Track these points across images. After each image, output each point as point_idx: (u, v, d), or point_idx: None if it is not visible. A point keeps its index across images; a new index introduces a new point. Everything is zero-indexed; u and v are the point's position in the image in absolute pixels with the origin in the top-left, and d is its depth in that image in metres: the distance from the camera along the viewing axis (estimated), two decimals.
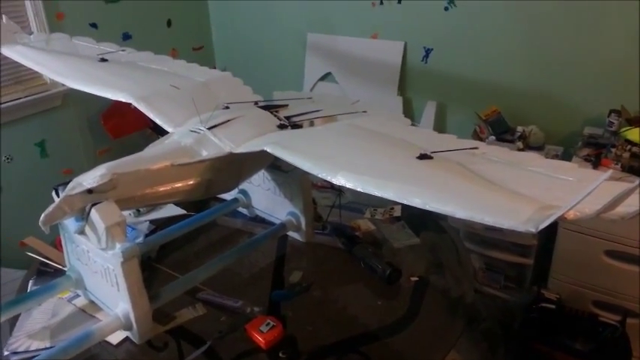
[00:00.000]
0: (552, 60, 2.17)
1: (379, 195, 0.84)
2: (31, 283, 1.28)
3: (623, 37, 1.99)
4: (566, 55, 2.13)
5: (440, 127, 2.51)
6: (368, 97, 2.57)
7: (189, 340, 1.11)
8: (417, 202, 0.79)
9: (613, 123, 1.98)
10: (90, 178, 0.96)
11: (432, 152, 0.96)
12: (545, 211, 0.70)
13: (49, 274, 1.28)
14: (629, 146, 1.87)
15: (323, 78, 2.78)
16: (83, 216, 0.98)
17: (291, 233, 1.44)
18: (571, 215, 0.68)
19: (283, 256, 1.41)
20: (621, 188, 0.67)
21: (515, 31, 2.21)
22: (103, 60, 1.53)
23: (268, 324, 1.09)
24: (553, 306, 1.94)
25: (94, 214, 0.95)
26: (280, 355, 1.05)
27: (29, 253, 1.36)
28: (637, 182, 0.67)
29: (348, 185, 0.87)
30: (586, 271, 1.97)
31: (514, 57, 2.25)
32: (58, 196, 0.97)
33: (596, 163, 1.89)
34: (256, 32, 2.94)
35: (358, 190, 0.86)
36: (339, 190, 1.66)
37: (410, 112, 2.57)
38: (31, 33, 2.09)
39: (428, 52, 2.45)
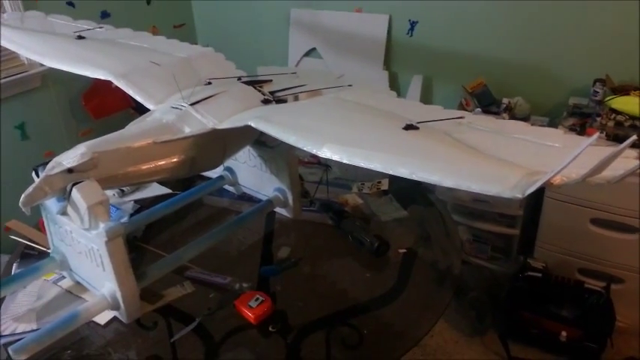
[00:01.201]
0: (537, 31, 2.16)
1: (365, 166, 0.83)
2: (15, 266, 1.26)
3: (607, 6, 1.98)
4: (551, 26, 2.12)
5: (426, 100, 2.49)
6: (353, 72, 2.54)
7: (178, 318, 1.10)
8: (403, 172, 0.79)
9: (597, 92, 1.98)
10: (70, 158, 0.94)
11: (418, 122, 0.95)
12: (531, 176, 0.70)
13: (33, 256, 1.27)
14: (613, 115, 1.89)
15: (308, 54, 2.74)
16: (64, 196, 0.96)
17: (278, 209, 1.43)
18: (558, 180, 0.68)
19: (271, 232, 1.40)
20: (607, 152, 0.66)
21: (500, 2, 2.18)
22: (81, 37, 1.48)
23: (257, 299, 1.08)
24: (539, 274, 1.97)
25: (75, 193, 0.93)
26: (270, 329, 1.06)
27: (13, 237, 1.34)
28: (622, 145, 0.67)
29: (334, 157, 0.86)
30: (571, 239, 2.00)
31: (499, 28, 2.23)
32: (38, 176, 0.94)
33: (581, 132, 1.90)
34: (239, 9, 2.89)
35: (344, 161, 0.85)
36: (326, 166, 1.65)
37: (396, 86, 2.56)
38: (4, 12, 2.03)
39: (413, 25, 2.43)
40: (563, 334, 1.85)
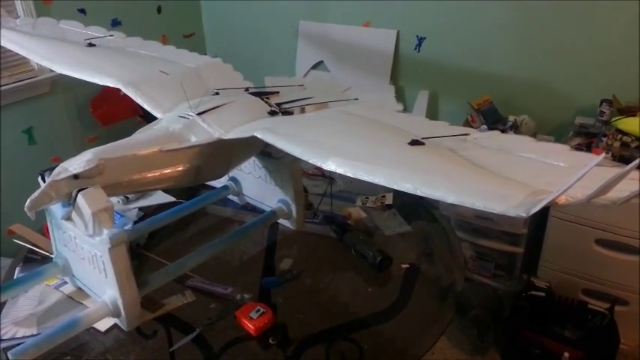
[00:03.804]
0: (545, 49, 2.16)
1: (370, 180, 0.83)
2: (17, 270, 1.26)
3: (615, 26, 1.99)
4: (558, 45, 2.13)
5: (432, 116, 2.50)
6: (360, 85, 2.55)
7: (178, 327, 1.10)
8: (407, 187, 0.78)
9: (604, 112, 1.98)
10: (76, 164, 0.95)
11: (424, 138, 0.96)
12: (536, 195, 0.70)
13: (36, 261, 1.27)
14: (619, 136, 1.88)
15: (315, 66, 2.76)
16: (69, 202, 0.96)
17: (281, 221, 1.43)
18: (562, 200, 0.67)
19: (274, 243, 1.40)
20: (613, 173, 0.66)
21: (508, 20, 2.20)
22: (91, 45, 1.50)
23: (258, 310, 1.08)
24: (543, 294, 1.95)
25: (81, 199, 0.93)
26: (270, 341, 1.05)
27: (16, 240, 1.34)
28: (628, 167, 0.66)
29: (339, 171, 0.86)
30: (576, 259, 1.98)
31: (507, 46, 2.24)
32: (44, 181, 0.95)
33: (587, 152, 1.89)
34: (248, 20, 2.91)
35: (349, 175, 0.85)
36: (331, 178, 1.66)
37: (402, 101, 2.56)
38: (17, 17, 2.06)
39: (421, 40, 2.44)
40: (566, 355, 1.82)
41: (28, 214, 0.92)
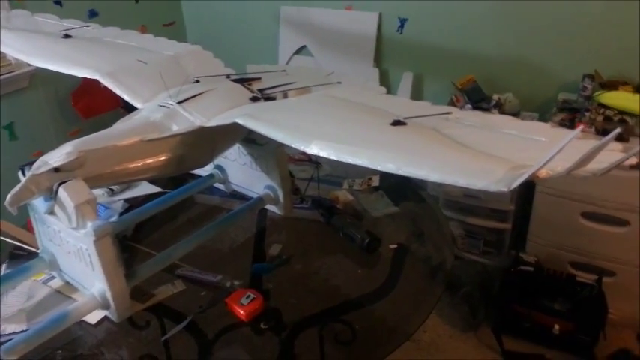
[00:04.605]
0: (526, 26, 2.16)
1: (353, 162, 0.83)
2: (4, 267, 1.25)
3: (596, 2, 1.99)
4: (539, 21, 2.13)
5: (417, 97, 2.50)
6: (344, 69, 2.54)
7: (170, 316, 1.10)
8: (390, 167, 0.78)
9: (587, 87, 1.99)
10: (56, 157, 0.93)
11: (406, 118, 0.95)
12: (517, 170, 0.70)
13: (22, 257, 1.26)
14: (602, 110, 1.89)
15: (298, 52, 2.74)
16: (51, 196, 0.95)
17: (269, 207, 1.43)
18: (543, 174, 0.68)
19: (263, 230, 1.40)
20: (591, 145, 0.67)
21: None
22: (67, 36, 1.47)
23: (248, 296, 1.08)
24: (531, 268, 1.98)
25: (62, 193, 0.92)
26: (262, 326, 1.06)
27: (1, 237, 1.33)
28: (606, 139, 0.67)
29: (322, 154, 0.86)
30: (563, 233, 2.01)
31: (488, 24, 2.24)
32: (24, 176, 0.94)
33: (570, 127, 1.91)
34: (228, 7, 2.88)
35: (332, 158, 0.85)
36: (317, 163, 1.65)
37: (387, 84, 2.56)
38: None
39: (403, 22, 2.43)
40: (556, 326, 1.86)
41: (10, 210, 0.91)
